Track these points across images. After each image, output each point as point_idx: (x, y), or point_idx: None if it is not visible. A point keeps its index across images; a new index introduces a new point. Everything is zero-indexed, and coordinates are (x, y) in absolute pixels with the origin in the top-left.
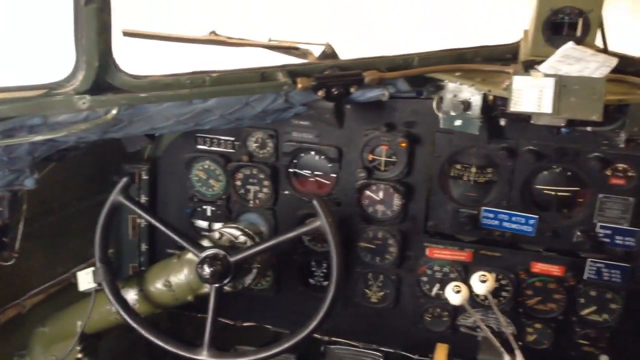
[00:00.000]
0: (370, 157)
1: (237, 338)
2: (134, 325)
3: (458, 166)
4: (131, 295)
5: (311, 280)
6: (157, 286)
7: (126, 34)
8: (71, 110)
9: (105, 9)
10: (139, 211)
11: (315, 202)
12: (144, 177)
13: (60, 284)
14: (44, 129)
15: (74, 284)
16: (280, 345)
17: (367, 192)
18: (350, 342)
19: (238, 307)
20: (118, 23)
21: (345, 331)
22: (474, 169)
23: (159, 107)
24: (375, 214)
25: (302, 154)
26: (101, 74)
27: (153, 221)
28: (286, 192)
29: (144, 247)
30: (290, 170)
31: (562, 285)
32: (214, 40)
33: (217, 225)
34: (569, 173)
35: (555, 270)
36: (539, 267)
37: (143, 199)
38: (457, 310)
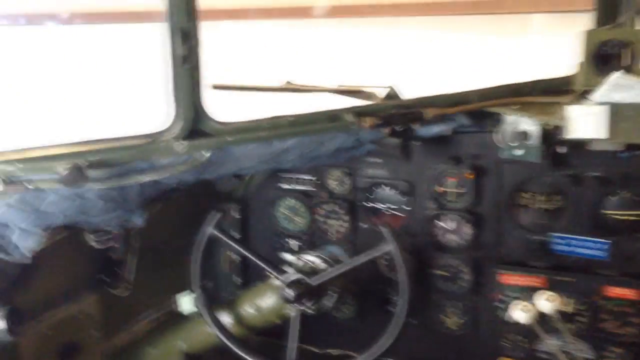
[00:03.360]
0: (440, 189)
1: None
2: (228, 343)
3: (526, 195)
4: (226, 319)
5: (392, 309)
6: (248, 310)
7: (215, 87)
8: (171, 154)
9: (197, 69)
10: (227, 240)
11: (382, 229)
12: (235, 215)
13: (165, 310)
14: (150, 171)
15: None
16: None
17: (439, 223)
18: None
19: (325, 335)
20: (208, 78)
21: (425, 358)
22: (541, 197)
23: (243, 149)
24: (448, 243)
25: (377, 189)
26: (195, 123)
27: (241, 249)
28: (364, 226)
29: (236, 279)
30: (367, 204)
31: (639, 309)
32: (290, 88)
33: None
34: (637, 198)
35: (631, 294)
36: (614, 291)
37: (234, 235)
38: (535, 336)
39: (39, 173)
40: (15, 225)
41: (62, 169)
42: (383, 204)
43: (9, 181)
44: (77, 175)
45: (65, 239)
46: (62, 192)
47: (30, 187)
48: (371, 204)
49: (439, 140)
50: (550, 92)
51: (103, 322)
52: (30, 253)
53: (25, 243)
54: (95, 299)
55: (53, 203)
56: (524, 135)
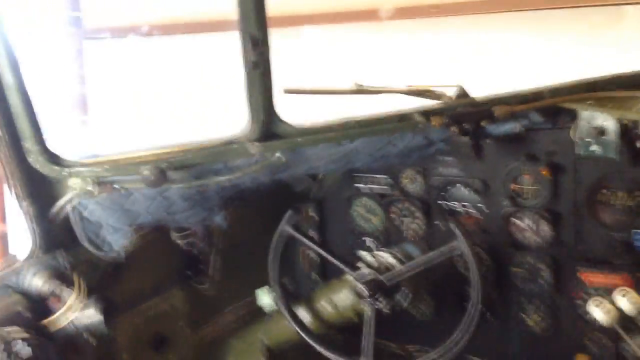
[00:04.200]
0: (514, 186)
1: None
2: (306, 337)
3: (604, 191)
4: (303, 314)
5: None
6: (324, 305)
7: (287, 91)
8: (245, 156)
9: (268, 74)
10: (302, 239)
11: (452, 225)
12: (312, 214)
13: (247, 305)
14: (226, 172)
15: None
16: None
17: (515, 220)
18: None
19: (404, 332)
20: (279, 83)
21: (505, 356)
22: (621, 193)
23: (313, 150)
24: (524, 241)
25: (450, 187)
26: (267, 125)
27: (315, 247)
28: (439, 224)
29: (315, 276)
30: (441, 203)
31: None
32: (359, 90)
33: None
34: None
35: None
36: None
37: (312, 233)
38: (620, 337)
39: (125, 175)
40: (106, 223)
41: (146, 170)
42: (457, 202)
43: (100, 182)
44: (159, 176)
45: (153, 237)
46: (146, 192)
47: (117, 187)
48: (445, 203)
49: (512, 138)
50: (627, 87)
51: (190, 316)
52: (121, 249)
53: (116, 240)
54: (182, 293)
55: (138, 202)
56: (600, 131)
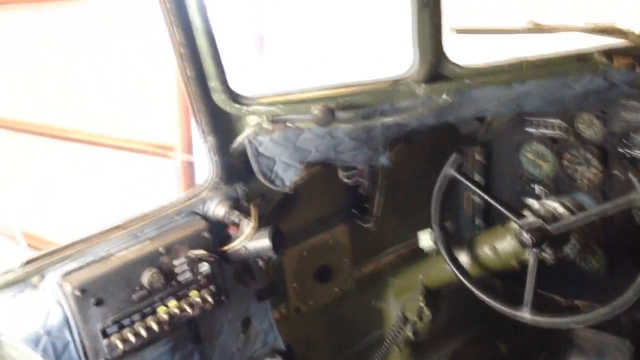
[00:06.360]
0: None
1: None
2: (464, 280)
3: None
4: (463, 258)
5: None
6: (485, 251)
7: (458, 31)
8: (412, 97)
9: (437, 13)
10: (466, 182)
11: (631, 175)
12: (478, 158)
13: (408, 245)
14: (392, 113)
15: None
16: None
17: None
18: None
19: (571, 285)
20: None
21: None
22: None
23: (482, 92)
24: None
25: (633, 134)
26: (435, 66)
27: (478, 191)
28: (618, 174)
29: (478, 221)
30: (623, 151)
31: None
32: (535, 29)
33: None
34: None
35: None
36: None
37: (477, 177)
38: None
39: (297, 113)
40: (279, 159)
41: (316, 110)
42: None
43: (274, 120)
44: (328, 115)
45: (320, 173)
46: (316, 131)
47: (290, 125)
48: (627, 151)
49: None
50: None
51: (353, 252)
52: (291, 184)
53: (287, 175)
54: (347, 230)
55: (308, 140)
56: None
